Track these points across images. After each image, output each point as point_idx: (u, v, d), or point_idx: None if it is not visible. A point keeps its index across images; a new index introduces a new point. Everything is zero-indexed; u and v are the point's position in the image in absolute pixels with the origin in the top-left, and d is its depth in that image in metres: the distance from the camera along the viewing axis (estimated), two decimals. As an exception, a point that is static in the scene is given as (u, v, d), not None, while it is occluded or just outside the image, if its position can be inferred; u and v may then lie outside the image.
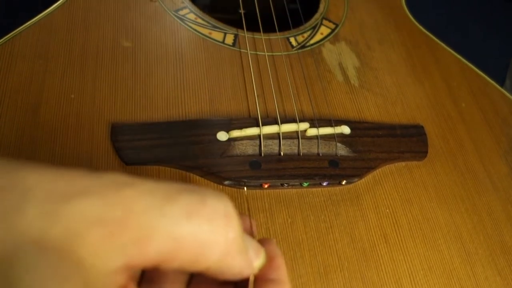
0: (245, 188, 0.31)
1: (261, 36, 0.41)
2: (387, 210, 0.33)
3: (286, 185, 0.32)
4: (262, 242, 0.21)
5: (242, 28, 0.41)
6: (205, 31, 0.40)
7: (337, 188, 0.33)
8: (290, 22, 0.44)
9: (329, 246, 0.31)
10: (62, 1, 0.38)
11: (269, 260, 0.20)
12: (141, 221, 0.15)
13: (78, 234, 0.14)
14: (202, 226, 0.16)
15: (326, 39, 0.43)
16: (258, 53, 0.39)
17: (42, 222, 0.14)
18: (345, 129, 0.36)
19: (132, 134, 0.31)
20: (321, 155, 0.34)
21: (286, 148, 0.33)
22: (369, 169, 0.34)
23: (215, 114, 0.34)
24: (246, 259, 0.18)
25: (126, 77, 0.35)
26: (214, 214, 0.16)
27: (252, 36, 0.41)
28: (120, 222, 0.14)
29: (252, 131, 0.33)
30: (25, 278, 0.13)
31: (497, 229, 0.36)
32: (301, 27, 0.44)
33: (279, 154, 0.33)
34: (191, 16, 0.41)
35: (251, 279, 0.19)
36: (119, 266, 0.15)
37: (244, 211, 0.30)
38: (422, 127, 0.39)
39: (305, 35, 0.43)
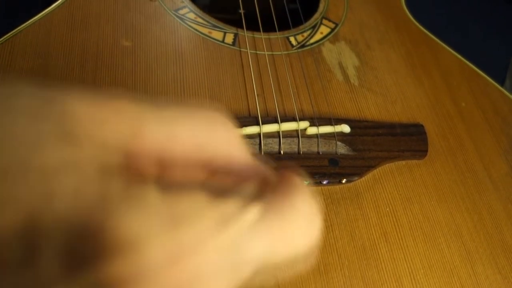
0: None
1: (261, 36, 0.41)
2: (387, 209, 0.33)
3: (286, 183, 0.32)
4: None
5: (242, 28, 0.41)
6: (205, 31, 0.40)
7: (337, 186, 0.33)
8: (290, 21, 0.44)
9: (329, 244, 0.30)
10: (62, 1, 0.38)
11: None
12: (135, 117, 0.15)
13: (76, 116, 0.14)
14: (199, 125, 0.16)
15: (326, 38, 0.44)
16: (258, 52, 0.39)
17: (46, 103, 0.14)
18: (345, 128, 0.36)
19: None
20: (321, 153, 0.34)
21: (286, 146, 0.33)
22: (369, 167, 0.34)
23: (215, 113, 0.34)
24: (253, 161, 0.17)
25: (126, 76, 0.35)
26: (212, 119, 0.17)
27: (252, 35, 0.41)
28: (114, 115, 0.14)
29: (252, 129, 0.33)
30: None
31: (497, 228, 0.35)
32: (301, 27, 0.44)
33: (279, 152, 0.33)
34: (191, 15, 0.41)
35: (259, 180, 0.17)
36: (116, 150, 0.14)
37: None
38: (422, 126, 0.39)
39: (305, 34, 0.43)
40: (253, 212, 0.15)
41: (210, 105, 0.17)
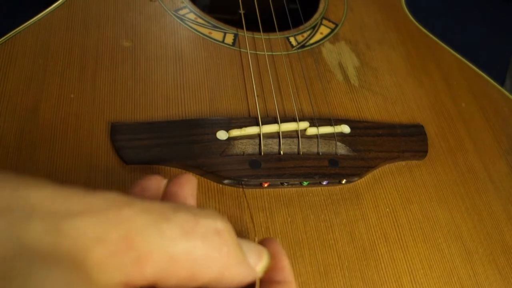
0: (243, 188, 0.31)
1: (261, 36, 0.41)
2: (387, 209, 0.33)
3: (286, 184, 0.32)
4: (264, 242, 0.21)
5: (242, 28, 0.41)
6: (205, 31, 0.40)
7: (337, 187, 0.33)
8: (290, 22, 0.44)
9: (329, 245, 0.30)
10: (62, 1, 0.38)
11: (274, 260, 0.20)
12: (140, 241, 0.15)
13: (84, 250, 0.14)
14: (197, 243, 0.16)
15: (326, 38, 0.43)
16: (258, 52, 0.39)
17: (50, 237, 0.14)
18: (345, 128, 0.36)
19: (132, 134, 0.31)
20: (321, 154, 0.34)
21: (286, 147, 0.33)
22: (369, 168, 0.34)
23: (215, 113, 0.34)
24: (247, 267, 0.19)
25: (126, 77, 0.35)
26: (207, 232, 0.17)
27: (252, 35, 0.41)
28: (120, 242, 0.15)
29: (252, 130, 0.33)
30: None
31: (497, 228, 0.35)
32: (301, 27, 0.44)
33: (279, 153, 0.33)
34: (191, 16, 0.41)
35: (257, 283, 0.19)
36: (119, 283, 0.15)
37: (244, 210, 0.30)
38: (422, 126, 0.39)
39: (305, 34, 0.43)
40: None
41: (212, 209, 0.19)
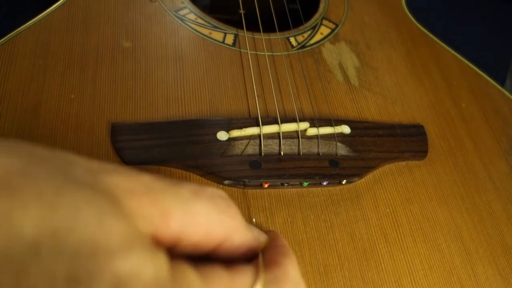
0: (244, 188, 0.31)
1: (261, 36, 0.41)
2: (387, 210, 0.33)
3: (286, 184, 0.32)
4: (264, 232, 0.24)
5: (242, 28, 0.41)
6: (205, 31, 0.40)
7: (337, 187, 0.33)
8: (290, 22, 0.44)
9: (329, 245, 0.31)
10: (62, 1, 0.38)
11: (272, 240, 0.22)
12: (162, 198, 0.17)
13: (118, 196, 0.16)
14: (208, 204, 0.18)
15: (326, 39, 0.43)
16: (258, 53, 0.39)
17: (91, 177, 0.16)
18: (345, 129, 0.36)
19: (132, 134, 0.31)
20: (321, 154, 0.34)
21: (286, 147, 0.33)
22: (369, 168, 0.34)
23: (215, 114, 0.34)
24: (253, 234, 0.21)
25: (126, 77, 0.35)
26: (213, 196, 0.19)
27: (252, 36, 0.41)
28: (146, 196, 0.17)
29: (252, 130, 0.33)
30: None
31: (497, 229, 0.35)
32: (301, 27, 0.44)
33: (279, 153, 0.33)
34: (191, 16, 0.41)
35: (260, 256, 0.21)
36: (149, 234, 0.16)
37: (243, 210, 0.30)
38: (422, 126, 0.39)
39: (305, 35, 0.43)
40: (261, 285, 0.19)
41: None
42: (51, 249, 0.13)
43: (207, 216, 0.18)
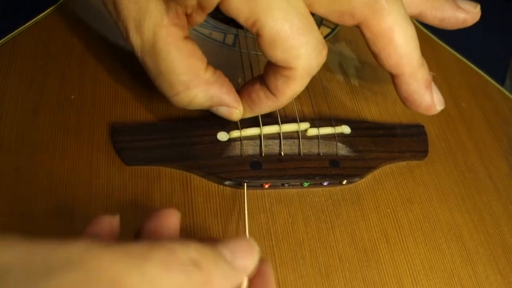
0: (245, 185, 0.31)
1: (261, 36, 0.41)
2: (388, 210, 0.33)
3: (286, 185, 0.32)
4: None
5: (242, 28, 0.41)
6: (206, 31, 0.40)
7: (338, 188, 0.33)
8: (290, 22, 0.43)
9: (330, 246, 0.31)
10: (62, 1, 0.38)
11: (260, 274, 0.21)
12: (128, 286, 0.15)
13: None
14: (179, 276, 0.16)
15: (326, 39, 0.43)
16: (258, 53, 0.39)
17: None
18: (346, 129, 0.36)
19: (132, 135, 0.31)
20: (321, 155, 0.34)
21: (287, 148, 0.33)
22: (370, 168, 0.34)
23: (215, 114, 0.34)
24: (234, 277, 0.19)
25: (126, 77, 0.35)
26: (184, 264, 0.17)
27: (252, 36, 0.41)
28: None
29: (252, 131, 0.33)
30: None
31: (498, 229, 0.36)
32: (301, 27, 0.44)
33: (280, 154, 0.33)
34: (191, 16, 0.41)
35: (244, 282, 0.20)
36: None
37: (243, 211, 0.30)
38: (422, 126, 0.39)
39: (305, 35, 0.43)
40: None
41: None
42: None
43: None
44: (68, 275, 0.14)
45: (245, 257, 0.20)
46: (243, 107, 0.30)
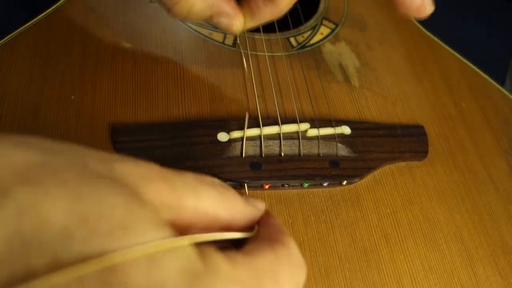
0: (245, 185, 0.31)
1: (261, 37, 0.41)
2: (388, 210, 0.33)
3: (287, 185, 0.32)
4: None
5: (242, 29, 0.41)
6: (205, 32, 0.40)
7: (338, 188, 0.33)
8: (290, 22, 0.44)
9: (330, 246, 0.31)
10: (62, 1, 0.38)
11: (265, 217, 0.23)
12: (176, 185, 0.18)
13: (134, 183, 0.16)
14: (211, 190, 0.19)
15: (326, 39, 0.43)
16: (258, 53, 0.39)
17: (104, 167, 0.16)
18: (346, 129, 0.36)
19: (132, 135, 0.31)
20: (321, 155, 0.34)
21: (287, 148, 0.33)
22: (370, 169, 0.34)
23: (215, 115, 0.34)
24: (252, 207, 0.22)
25: (126, 78, 0.35)
26: (214, 183, 0.20)
27: (252, 36, 0.41)
28: (164, 182, 0.17)
29: (252, 131, 0.33)
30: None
31: (497, 229, 0.36)
32: (301, 27, 0.44)
33: (280, 154, 0.33)
34: (191, 16, 0.41)
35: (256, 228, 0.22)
36: (168, 220, 0.17)
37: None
38: (422, 127, 0.39)
39: (305, 35, 0.43)
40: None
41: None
42: (84, 234, 0.13)
43: (212, 201, 0.19)
44: (131, 164, 0.17)
45: (256, 200, 0.23)
46: (244, 18, 0.31)
